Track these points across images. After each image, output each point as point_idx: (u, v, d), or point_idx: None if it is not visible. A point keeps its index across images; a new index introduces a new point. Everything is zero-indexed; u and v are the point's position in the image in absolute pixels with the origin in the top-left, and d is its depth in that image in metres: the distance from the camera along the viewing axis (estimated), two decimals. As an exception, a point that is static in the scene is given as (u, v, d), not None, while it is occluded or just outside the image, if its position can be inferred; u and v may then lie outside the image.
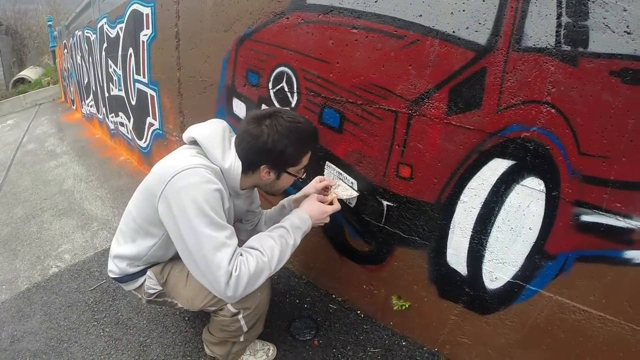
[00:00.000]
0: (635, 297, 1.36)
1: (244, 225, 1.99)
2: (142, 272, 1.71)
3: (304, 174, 1.61)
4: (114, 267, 1.73)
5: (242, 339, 1.76)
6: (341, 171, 1.97)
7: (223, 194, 1.43)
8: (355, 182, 1.96)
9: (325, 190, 1.81)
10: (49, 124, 8.18)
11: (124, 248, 1.67)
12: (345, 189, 1.79)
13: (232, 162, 1.48)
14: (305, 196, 1.80)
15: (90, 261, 2.93)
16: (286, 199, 1.99)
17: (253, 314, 1.66)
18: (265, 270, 1.44)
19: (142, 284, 1.74)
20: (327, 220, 1.70)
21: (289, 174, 1.57)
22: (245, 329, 1.69)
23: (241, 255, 1.41)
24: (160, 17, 3.35)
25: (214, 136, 1.51)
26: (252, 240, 1.51)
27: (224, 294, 1.37)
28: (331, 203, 1.73)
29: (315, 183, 1.82)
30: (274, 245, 1.48)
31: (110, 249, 1.76)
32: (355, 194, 1.83)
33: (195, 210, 1.33)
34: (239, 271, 1.36)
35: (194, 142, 1.55)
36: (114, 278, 1.77)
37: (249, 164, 1.50)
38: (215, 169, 1.45)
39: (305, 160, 1.57)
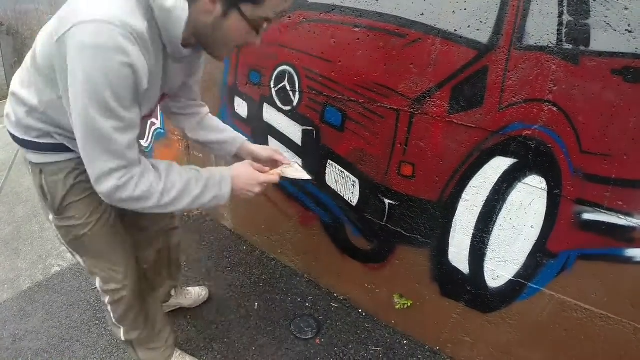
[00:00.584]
0: (636, 295, 1.37)
1: (173, 104, 1.59)
2: (51, 148, 1.27)
3: (264, 29, 1.11)
4: (10, 111, 1.27)
5: (122, 334, 1.67)
6: (343, 170, 1.97)
7: (137, 71, 0.98)
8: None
9: (275, 164, 1.57)
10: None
11: (24, 91, 1.20)
12: (297, 170, 1.54)
13: (177, 2, 0.99)
14: (255, 156, 1.60)
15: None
16: (238, 134, 1.67)
17: (116, 298, 1.54)
18: (151, 199, 1.14)
19: (45, 168, 1.31)
20: (257, 190, 1.37)
21: (243, 16, 1.01)
22: (113, 316, 1.61)
23: (139, 172, 1.12)
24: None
25: None
26: (162, 163, 1.21)
27: (97, 189, 1.10)
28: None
29: (271, 151, 1.60)
30: (175, 182, 1.18)
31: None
32: (307, 177, 1.53)
33: (88, 90, 0.95)
34: (124, 185, 1.08)
35: None
36: (11, 134, 1.31)
37: None
38: (139, 27, 0.95)
39: (270, 5, 1.02)
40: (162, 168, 1.18)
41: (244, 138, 1.66)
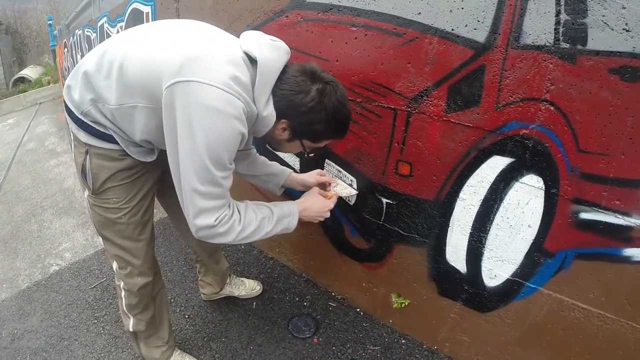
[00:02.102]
0: (634, 295, 1.37)
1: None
2: (101, 136, 1.35)
3: (312, 153, 1.49)
4: (75, 86, 1.32)
5: (130, 324, 1.72)
6: (340, 169, 1.97)
7: (244, 138, 1.23)
8: (354, 180, 1.96)
9: (323, 186, 1.75)
10: (50, 123, 8.17)
11: (99, 80, 1.26)
12: (344, 187, 1.74)
13: (270, 112, 1.26)
14: (303, 184, 1.77)
15: (90, 259, 2.94)
16: (284, 168, 1.85)
17: (130, 284, 1.61)
18: (230, 236, 1.33)
19: (90, 152, 1.37)
20: (328, 215, 1.62)
21: (302, 144, 1.39)
22: (124, 302, 1.67)
23: (230, 213, 1.31)
24: (161, 16, 3.34)
25: (272, 71, 1.24)
26: (241, 204, 1.40)
27: (194, 222, 1.27)
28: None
29: (317, 175, 1.77)
30: (252, 222, 1.38)
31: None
32: (354, 192, 1.79)
33: (209, 146, 1.14)
34: (219, 224, 1.28)
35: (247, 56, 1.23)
36: (67, 106, 1.36)
37: (278, 112, 1.28)
38: (252, 109, 1.21)
39: (322, 144, 1.43)
40: (241, 209, 1.37)
41: (291, 170, 1.84)
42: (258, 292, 2.41)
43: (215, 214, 1.26)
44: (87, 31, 6.54)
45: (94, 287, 2.60)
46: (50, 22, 12.38)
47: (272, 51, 1.24)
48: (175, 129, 1.15)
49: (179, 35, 1.24)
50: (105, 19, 5.17)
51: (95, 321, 2.31)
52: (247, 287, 2.38)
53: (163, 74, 1.13)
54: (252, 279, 2.46)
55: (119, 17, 4.52)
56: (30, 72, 14.70)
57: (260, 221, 1.40)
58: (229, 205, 1.32)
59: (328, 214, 1.61)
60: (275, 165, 1.84)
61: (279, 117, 1.28)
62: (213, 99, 1.10)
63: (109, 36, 5.10)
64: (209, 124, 1.12)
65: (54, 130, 7.47)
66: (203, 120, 1.11)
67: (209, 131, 1.12)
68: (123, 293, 1.65)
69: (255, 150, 1.82)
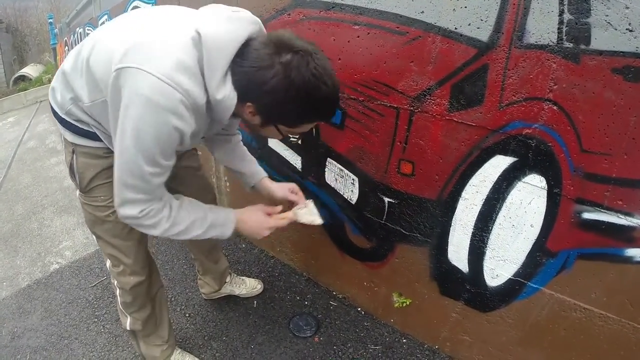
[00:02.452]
0: (636, 295, 1.37)
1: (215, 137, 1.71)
2: (85, 134, 1.33)
3: (299, 138, 1.37)
4: (57, 87, 1.31)
5: (127, 323, 1.72)
6: (342, 167, 1.97)
7: (185, 134, 1.10)
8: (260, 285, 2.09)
9: (292, 204, 1.66)
10: (50, 122, 8.15)
11: (75, 78, 1.23)
12: (310, 213, 1.58)
13: (227, 94, 1.10)
14: (270, 195, 1.72)
15: (90, 258, 2.93)
16: (259, 170, 1.77)
17: (124, 282, 1.59)
18: (157, 230, 1.27)
19: (76, 150, 1.37)
20: (266, 234, 1.49)
21: (278, 129, 1.22)
22: (119, 300, 1.67)
23: (159, 208, 1.24)
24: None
25: (226, 46, 1.07)
26: (175, 201, 1.32)
27: (118, 211, 1.23)
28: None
29: (287, 191, 1.68)
30: (182, 221, 1.30)
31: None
32: (319, 221, 1.57)
33: (139, 139, 1.06)
34: (142, 216, 1.21)
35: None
36: (52, 108, 1.37)
37: (238, 92, 1.12)
38: (196, 99, 1.07)
39: (305, 128, 1.24)
40: (174, 206, 1.29)
41: (264, 175, 1.76)
42: (259, 291, 2.41)
43: (140, 207, 1.20)
44: (87, 29, 6.54)
45: (95, 285, 2.60)
46: (50, 20, 12.37)
47: (229, 23, 1.09)
48: (115, 114, 1.08)
49: (137, 23, 1.15)
50: (106, 17, 5.17)
51: (96, 320, 2.31)
52: (247, 286, 2.38)
53: (111, 63, 1.05)
54: (253, 277, 2.46)
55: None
56: (30, 70, 14.69)
57: (190, 222, 1.33)
58: (160, 199, 1.25)
59: (266, 233, 1.49)
60: (251, 164, 1.76)
61: (242, 99, 1.13)
62: (147, 88, 1.00)
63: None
64: (140, 115, 1.03)
65: (54, 128, 7.46)
66: (135, 110, 1.02)
67: (139, 123, 1.04)
68: (117, 291, 1.65)
69: (239, 137, 1.75)
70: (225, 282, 2.30)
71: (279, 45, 1.05)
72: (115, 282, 1.62)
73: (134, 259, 1.56)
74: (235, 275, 2.38)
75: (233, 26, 1.09)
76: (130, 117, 1.03)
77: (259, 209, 1.52)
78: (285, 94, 1.05)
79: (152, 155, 1.09)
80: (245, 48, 1.09)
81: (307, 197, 1.68)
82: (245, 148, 1.78)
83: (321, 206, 2.15)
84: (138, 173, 1.12)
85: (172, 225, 1.28)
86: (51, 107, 1.36)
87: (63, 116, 1.31)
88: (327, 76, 1.08)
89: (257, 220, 1.48)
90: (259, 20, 1.19)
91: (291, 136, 1.31)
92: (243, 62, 1.08)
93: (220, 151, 1.73)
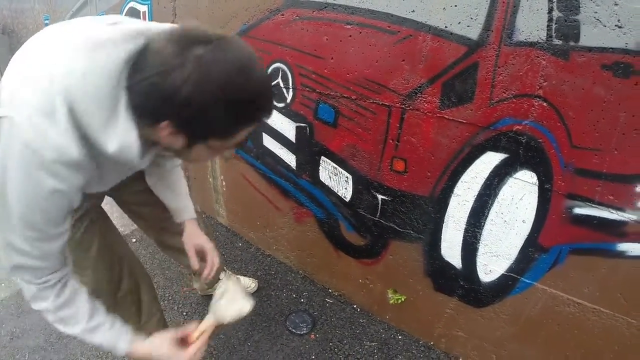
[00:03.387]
0: (628, 289, 1.38)
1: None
2: None
3: (235, 149, 1.10)
4: None
5: None
6: (336, 165, 1.98)
7: (70, 193, 0.90)
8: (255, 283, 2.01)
9: (203, 260, 1.46)
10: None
11: None
12: (233, 300, 1.26)
13: (123, 140, 0.85)
14: (193, 244, 1.47)
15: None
16: (187, 207, 1.52)
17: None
18: (36, 305, 1.04)
19: None
20: None
21: (210, 147, 0.92)
22: None
23: (50, 283, 1.01)
24: (157, 15, 3.34)
25: (97, 81, 0.81)
26: (68, 290, 1.06)
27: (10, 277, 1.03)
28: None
29: (194, 252, 1.46)
30: (77, 323, 1.07)
31: None
32: (247, 309, 1.27)
33: (17, 206, 0.87)
34: (31, 285, 1.00)
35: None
36: None
37: (145, 113, 0.84)
38: (75, 156, 0.83)
39: (242, 135, 0.92)
40: (67, 291, 1.05)
41: (191, 216, 1.51)
42: (253, 289, 2.41)
43: (27, 274, 0.99)
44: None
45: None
46: (46, 21, 12.33)
47: (93, 53, 0.82)
48: None
49: (29, 53, 0.88)
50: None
51: (94, 319, 2.32)
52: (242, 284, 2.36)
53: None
54: (249, 276, 2.47)
55: (115, 16, 4.51)
56: (27, 71, 14.65)
57: (71, 316, 1.07)
58: (53, 274, 1.01)
59: None
60: (178, 198, 1.51)
61: (154, 119, 0.83)
62: (19, 143, 0.80)
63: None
64: (12, 175, 0.83)
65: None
66: (8, 169, 0.83)
67: (13, 184, 0.84)
68: None
69: (177, 162, 1.48)
70: (220, 280, 2.30)
71: (185, 38, 0.80)
72: None
73: (92, 271, 1.39)
74: (230, 273, 2.38)
75: (103, 53, 0.82)
76: (5, 177, 0.84)
77: (168, 338, 1.16)
78: (207, 97, 0.78)
79: (33, 223, 0.90)
80: (140, 58, 0.83)
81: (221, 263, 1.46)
82: (181, 178, 1.52)
83: (316, 204, 2.17)
84: (21, 236, 0.92)
85: (57, 307, 1.04)
86: None
87: None
88: (255, 64, 0.85)
89: (166, 356, 1.13)
90: (140, 32, 0.87)
91: (223, 151, 1.01)
92: (140, 75, 0.81)
93: (150, 176, 1.48)
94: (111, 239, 1.49)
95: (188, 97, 0.77)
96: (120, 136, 0.85)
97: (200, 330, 1.19)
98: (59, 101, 0.79)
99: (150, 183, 1.48)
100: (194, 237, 1.48)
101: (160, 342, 1.14)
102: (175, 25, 0.87)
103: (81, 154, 0.84)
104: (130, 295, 1.56)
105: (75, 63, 0.80)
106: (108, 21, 0.90)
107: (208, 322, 1.21)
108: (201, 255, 1.48)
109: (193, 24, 0.83)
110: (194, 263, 1.46)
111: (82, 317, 1.07)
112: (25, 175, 0.83)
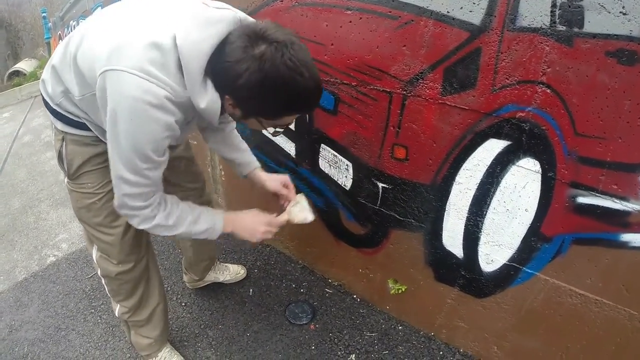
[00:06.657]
0: (631, 281, 1.37)
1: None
2: (76, 124, 1.35)
3: (280, 131, 1.36)
4: (48, 80, 1.35)
5: (116, 310, 1.76)
6: (336, 153, 1.95)
7: (176, 130, 1.15)
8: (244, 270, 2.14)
9: (283, 197, 1.70)
10: (45, 116, 8.10)
11: (65, 72, 1.25)
12: (302, 209, 1.60)
13: (210, 99, 1.12)
14: (262, 186, 1.71)
15: (87, 250, 2.92)
16: (253, 160, 1.77)
17: (107, 271, 1.61)
18: (151, 223, 1.30)
19: (65, 140, 1.39)
20: (260, 238, 1.52)
21: (260, 122, 1.22)
22: (107, 288, 1.70)
23: (153, 203, 1.28)
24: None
25: (199, 55, 1.06)
26: (168, 198, 1.35)
27: (115, 207, 1.28)
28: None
29: (279, 184, 1.69)
30: (177, 215, 1.34)
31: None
32: (310, 218, 1.60)
33: (131, 141, 1.10)
34: (141, 209, 1.26)
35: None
36: (44, 99, 1.40)
37: (217, 87, 1.13)
38: (179, 93, 1.09)
39: (287, 120, 1.23)
40: (169, 201, 1.34)
41: (257, 165, 1.76)
42: (243, 276, 2.43)
43: (137, 201, 1.24)
44: (81, 22, 6.49)
45: (91, 277, 2.59)
46: (44, 14, 12.25)
47: (206, 27, 1.06)
48: (105, 114, 1.10)
49: (122, 21, 1.15)
50: (99, 9, 5.13)
51: (93, 311, 2.31)
52: (231, 272, 2.40)
53: (96, 64, 1.08)
54: (248, 266, 2.48)
55: (113, 6, 4.48)
56: (25, 65, 14.58)
57: (181, 218, 1.35)
58: (155, 193, 1.28)
59: (262, 229, 1.51)
60: (244, 154, 1.75)
61: (223, 93, 1.13)
62: (131, 88, 1.02)
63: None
64: (128, 115, 1.05)
65: (49, 123, 7.42)
66: (124, 111, 1.05)
67: (130, 122, 1.07)
68: (103, 280, 1.66)
69: (232, 126, 1.72)
70: (210, 270, 2.33)
71: (253, 37, 1.02)
72: (99, 270, 1.63)
73: (119, 248, 1.56)
74: (218, 262, 2.40)
75: (208, 32, 1.06)
76: (120, 118, 1.06)
77: (256, 214, 1.54)
78: (260, 87, 1.03)
79: (146, 153, 1.13)
80: (224, 46, 1.07)
81: (297, 192, 1.69)
82: (239, 137, 1.76)
83: (315, 192, 2.15)
84: (135, 169, 1.15)
85: (165, 218, 1.31)
86: (42, 97, 1.38)
87: (54, 107, 1.33)
88: (304, 67, 1.05)
89: (250, 226, 1.50)
90: (242, 17, 1.17)
91: (275, 128, 1.32)
92: (221, 59, 1.06)
93: (214, 140, 1.72)
94: None
95: (243, 85, 1.03)
96: (209, 97, 1.11)
97: (283, 217, 1.57)
98: (173, 56, 1.05)
99: (213, 145, 1.74)
100: (272, 177, 1.73)
101: (251, 214, 1.54)
102: (254, 21, 1.14)
103: (185, 95, 1.09)
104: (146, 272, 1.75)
105: (190, 32, 1.04)
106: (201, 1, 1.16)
107: (282, 218, 1.56)
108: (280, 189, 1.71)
109: (264, 24, 1.06)
110: (292, 192, 1.71)
111: (185, 214, 1.37)
112: (142, 113, 1.05)
